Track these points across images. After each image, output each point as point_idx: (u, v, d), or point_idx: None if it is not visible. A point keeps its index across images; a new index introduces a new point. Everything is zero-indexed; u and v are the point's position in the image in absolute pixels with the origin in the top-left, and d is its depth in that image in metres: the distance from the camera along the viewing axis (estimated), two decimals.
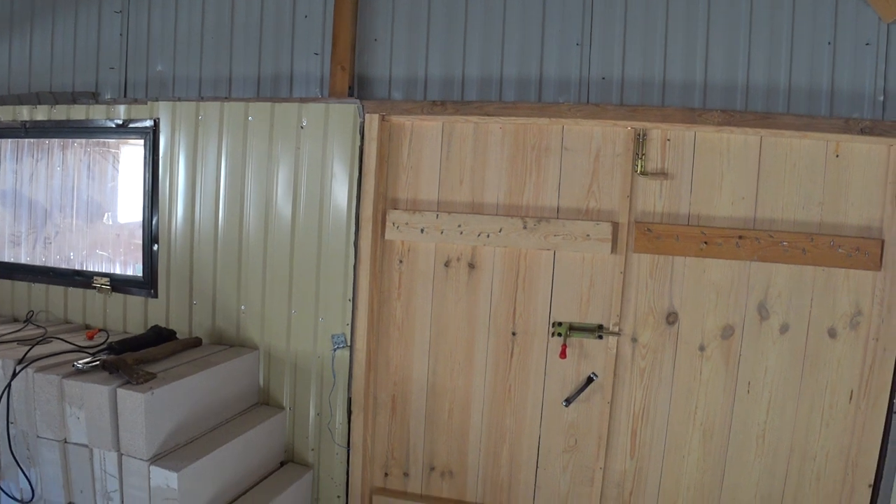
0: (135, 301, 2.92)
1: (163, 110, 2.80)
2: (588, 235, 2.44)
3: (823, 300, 2.40)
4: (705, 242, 2.39)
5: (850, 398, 2.43)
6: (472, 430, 2.67)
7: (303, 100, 2.64)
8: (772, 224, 2.39)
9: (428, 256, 2.62)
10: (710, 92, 2.46)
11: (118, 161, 3.14)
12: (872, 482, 2.38)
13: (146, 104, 2.84)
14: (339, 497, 2.73)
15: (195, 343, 2.72)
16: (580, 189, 2.49)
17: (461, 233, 2.52)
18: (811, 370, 2.43)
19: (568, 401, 2.54)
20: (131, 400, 2.13)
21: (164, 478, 2.14)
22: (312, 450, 2.74)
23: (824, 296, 2.40)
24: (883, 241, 2.32)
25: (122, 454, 2.17)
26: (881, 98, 2.39)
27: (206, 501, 2.27)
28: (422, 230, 2.55)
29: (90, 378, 2.21)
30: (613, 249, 2.45)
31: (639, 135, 2.42)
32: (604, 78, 2.52)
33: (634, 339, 2.51)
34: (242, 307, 2.74)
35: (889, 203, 2.31)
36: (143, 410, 2.13)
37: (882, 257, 2.32)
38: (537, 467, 2.64)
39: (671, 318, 2.48)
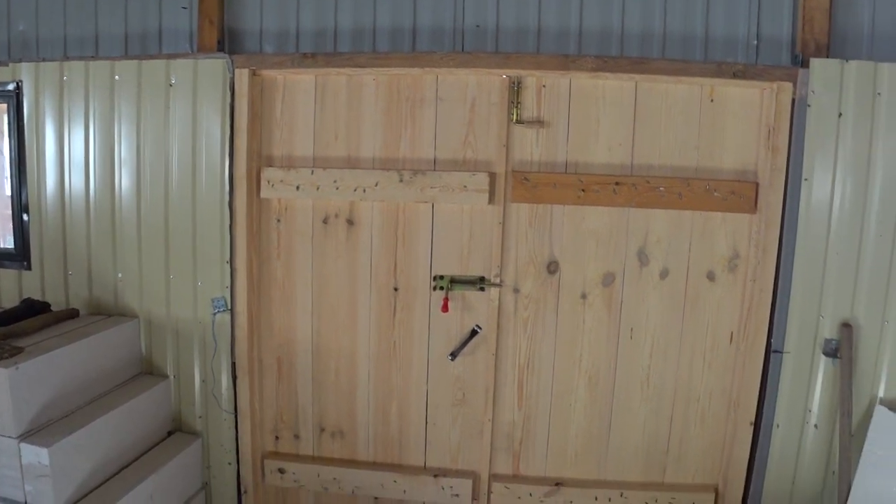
0: (8, 274, 2.77)
1: (25, 72, 2.62)
2: (465, 186, 2.40)
3: (701, 244, 2.42)
4: (583, 190, 2.38)
5: (731, 339, 2.47)
6: (359, 389, 2.63)
7: (170, 56, 2.50)
8: (649, 170, 2.39)
9: (306, 214, 2.54)
10: (585, 39, 2.43)
11: None
12: (753, 420, 2.44)
13: (7, 66, 2.65)
14: (229, 464, 2.67)
15: (71, 314, 2.59)
16: (456, 140, 2.43)
17: (337, 188, 2.45)
18: (692, 314, 2.46)
19: (453, 354, 2.52)
20: None
21: (34, 455, 2.04)
22: (200, 417, 2.66)
23: (702, 240, 2.42)
24: (757, 184, 2.35)
25: None
26: (755, 42, 2.40)
27: (83, 476, 2.18)
28: (297, 187, 2.47)
29: None
30: (491, 200, 2.41)
31: (514, 83, 2.37)
32: (478, 26, 2.46)
33: (516, 290, 2.49)
34: (119, 275, 2.63)
35: (762, 146, 2.33)
36: (7, 387, 2.02)
37: (757, 200, 2.35)
38: (427, 422, 2.63)
39: (552, 267, 2.47)
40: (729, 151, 2.37)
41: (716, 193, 2.35)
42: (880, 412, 2.27)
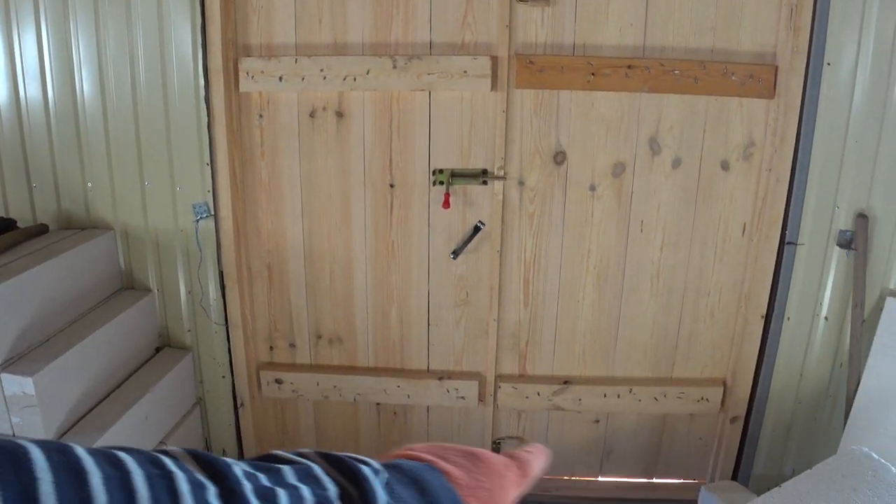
0: None
1: None
2: (465, 72, 2.19)
3: (716, 131, 2.28)
4: (592, 74, 2.20)
5: (743, 231, 2.38)
6: (356, 293, 2.51)
7: None
8: (662, 52, 2.21)
9: (290, 108, 2.32)
10: None
11: None
12: (765, 313, 2.38)
13: None
14: (223, 377, 2.56)
15: (40, 230, 2.38)
16: (454, 21, 2.21)
17: (324, 78, 2.23)
18: (704, 205, 2.35)
19: (455, 253, 2.39)
20: None
21: (18, 385, 1.89)
22: (189, 331, 2.53)
23: (717, 127, 2.27)
24: (777, 68, 2.18)
25: None
26: None
27: (72, 403, 2.05)
28: (280, 78, 2.24)
29: None
30: (494, 86, 2.21)
31: None
32: None
33: (521, 183, 2.34)
34: (89, 184, 2.41)
35: (783, 27, 2.15)
36: None
37: (776, 84, 2.19)
38: (429, 325, 2.53)
39: (559, 157, 2.32)
40: (747, 32, 2.18)
41: (733, 77, 2.19)
42: (891, 303, 2.24)
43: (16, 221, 2.42)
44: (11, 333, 1.96)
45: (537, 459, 0.66)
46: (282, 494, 0.42)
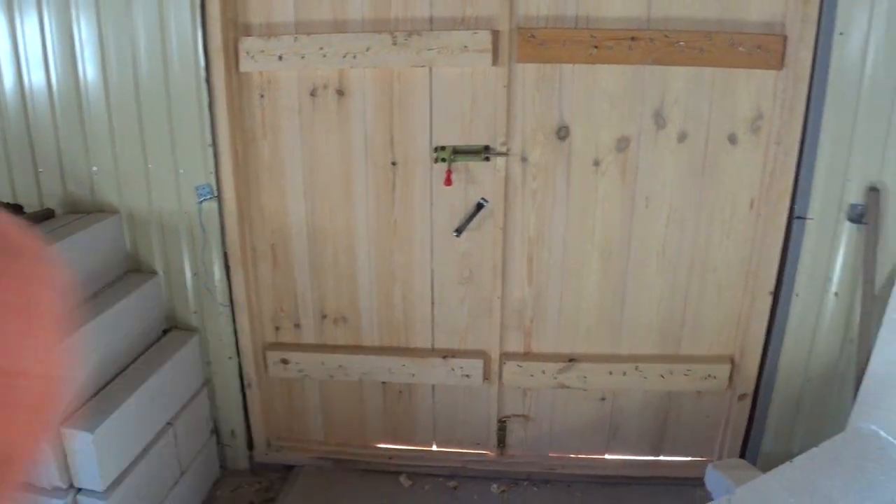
0: None
1: None
2: (466, 47, 2.17)
3: (723, 104, 2.23)
4: (595, 47, 2.16)
5: (751, 206, 2.34)
6: (360, 272, 2.50)
7: None
8: (667, 23, 2.16)
9: (291, 87, 2.31)
10: None
11: None
12: (773, 289, 2.35)
13: None
14: (230, 358, 2.58)
15: (47, 215, 2.40)
16: None
17: (324, 56, 2.21)
18: (711, 180, 2.31)
19: (458, 230, 2.37)
20: None
21: None
22: (195, 313, 2.54)
23: (724, 99, 2.23)
24: (785, 38, 2.12)
25: None
26: None
27: (79, 384, 2.06)
28: (280, 57, 2.23)
29: None
30: (495, 61, 2.19)
31: None
32: None
33: (524, 159, 2.32)
34: (94, 168, 2.42)
35: None
36: None
37: (784, 55, 2.14)
38: (433, 303, 2.52)
39: (562, 132, 2.28)
40: (755, 1, 2.13)
41: (740, 48, 2.14)
42: None
43: (22, 206, 2.44)
44: None
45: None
46: None
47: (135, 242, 2.50)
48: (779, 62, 2.15)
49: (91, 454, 1.95)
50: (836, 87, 2.11)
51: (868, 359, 2.23)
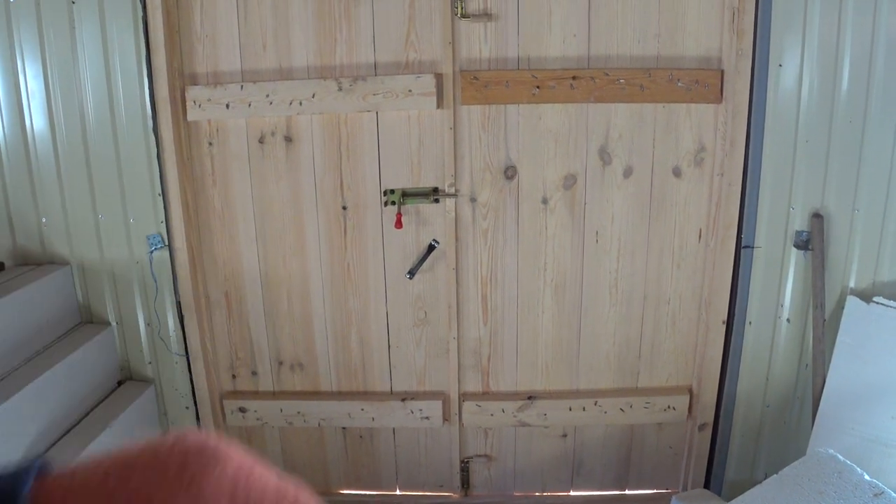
0: None
1: None
2: (410, 91, 2.20)
3: (666, 139, 2.28)
4: (537, 87, 2.21)
5: (699, 237, 2.37)
6: (315, 317, 2.49)
7: None
8: (607, 61, 2.22)
9: (239, 134, 2.32)
10: None
11: None
12: (726, 318, 2.37)
13: None
14: (187, 408, 2.54)
15: None
16: (397, 40, 2.22)
17: (271, 103, 2.23)
18: (658, 212, 2.35)
19: (411, 273, 2.38)
20: None
21: None
22: (150, 363, 2.51)
23: (666, 134, 2.28)
24: (722, 72, 2.19)
25: None
26: None
27: (29, 441, 2.02)
28: (227, 105, 2.24)
29: None
30: (440, 104, 2.22)
31: None
32: None
33: (473, 199, 2.34)
34: (43, 220, 2.40)
35: (727, 31, 2.16)
36: None
37: (722, 89, 2.20)
38: (389, 346, 2.51)
39: (510, 172, 2.32)
40: (691, 37, 2.20)
41: (679, 84, 2.20)
42: (852, 302, 2.23)
43: None
44: None
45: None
46: None
47: (87, 293, 2.47)
48: (717, 96, 2.21)
49: None
50: (774, 118, 2.17)
51: (823, 383, 2.25)
